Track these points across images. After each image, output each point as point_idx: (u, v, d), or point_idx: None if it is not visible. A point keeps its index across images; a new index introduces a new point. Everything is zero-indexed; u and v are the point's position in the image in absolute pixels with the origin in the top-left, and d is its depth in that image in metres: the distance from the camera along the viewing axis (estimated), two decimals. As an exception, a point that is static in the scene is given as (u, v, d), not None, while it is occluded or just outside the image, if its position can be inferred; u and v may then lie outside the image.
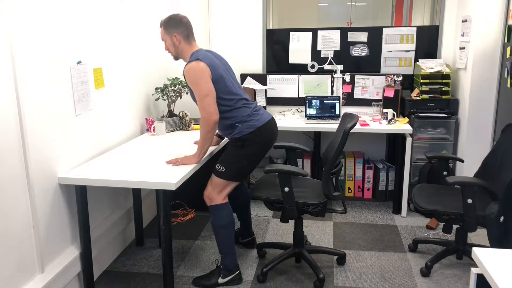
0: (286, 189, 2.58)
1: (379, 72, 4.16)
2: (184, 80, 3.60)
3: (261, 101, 4.10)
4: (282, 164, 2.66)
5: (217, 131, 2.98)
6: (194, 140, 3.15)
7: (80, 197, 2.48)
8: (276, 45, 4.30)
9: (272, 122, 2.75)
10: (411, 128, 3.60)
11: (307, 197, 2.71)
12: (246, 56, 4.28)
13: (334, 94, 4.08)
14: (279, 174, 2.59)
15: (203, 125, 2.54)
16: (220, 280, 2.72)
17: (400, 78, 3.88)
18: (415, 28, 4.08)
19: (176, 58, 2.75)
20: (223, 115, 2.62)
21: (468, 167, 3.60)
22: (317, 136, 3.90)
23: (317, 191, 2.78)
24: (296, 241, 2.89)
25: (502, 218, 2.10)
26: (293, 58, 4.27)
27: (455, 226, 2.84)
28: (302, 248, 2.88)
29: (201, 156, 2.61)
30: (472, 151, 3.63)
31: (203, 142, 2.58)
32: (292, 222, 2.80)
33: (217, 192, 2.66)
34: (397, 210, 3.76)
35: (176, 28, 2.64)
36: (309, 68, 4.23)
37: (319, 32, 4.20)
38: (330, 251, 3.03)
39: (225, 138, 2.93)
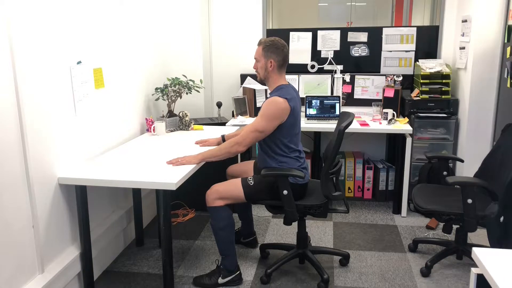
0: (285, 192, 2.58)
1: (379, 72, 4.16)
2: (186, 79, 3.61)
3: (261, 101, 4.10)
4: (279, 168, 2.65)
5: (225, 135, 2.99)
6: (194, 140, 3.15)
7: (80, 197, 2.48)
8: (276, 45, 4.30)
9: (308, 185, 2.77)
10: (411, 128, 3.60)
11: (307, 199, 2.70)
12: (246, 56, 4.28)
13: (334, 94, 4.08)
14: (277, 177, 2.59)
15: (228, 146, 2.56)
16: (220, 280, 2.72)
17: (400, 78, 3.88)
18: (415, 28, 4.08)
19: (261, 82, 2.78)
20: (275, 156, 2.65)
21: (468, 167, 3.60)
22: (317, 136, 3.89)
23: (318, 192, 2.78)
24: (299, 242, 2.88)
25: (502, 218, 2.10)
26: (293, 58, 4.27)
27: (455, 226, 2.84)
28: (306, 249, 2.88)
29: (202, 160, 2.62)
30: (472, 151, 3.63)
31: (212, 154, 2.60)
32: (293, 223, 2.79)
33: (218, 197, 2.64)
34: (397, 210, 3.76)
35: (276, 54, 2.63)
36: (309, 68, 4.23)
37: (319, 32, 4.20)
38: (333, 251, 3.03)
39: None
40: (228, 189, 2.67)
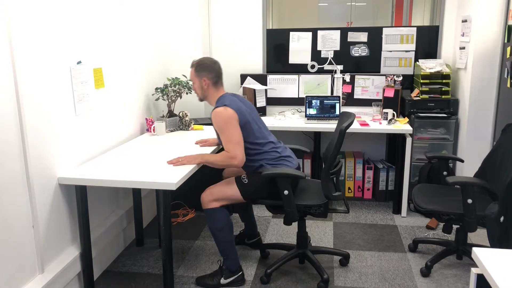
0: (286, 192, 2.58)
1: (379, 72, 4.16)
2: (185, 79, 3.61)
3: (261, 101, 4.10)
4: (280, 168, 2.65)
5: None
6: (194, 140, 3.15)
7: (80, 197, 2.48)
8: (276, 45, 4.30)
9: (298, 169, 2.77)
10: (411, 128, 3.60)
11: (307, 198, 2.70)
12: (246, 56, 4.28)
13: (334, 94, 4.08)
14: (277, 177, 2.59)
15: (225, 159, 2.55)
16: (223, 281, 2.72)
17: (400, 78, 3.88)
18: (415, 28, 4.08)
19: (201, 100, 2.79)
20: (252, 157, 2.65)
21: (468, 167, 3.60)
22: (317, 136, 3.89)
23: (318, 192, 2.78)
24: (299, 242, 2.88)
25: (502, 218, 2.10)
26: (293, 58, 4.27)
27: (455, 226, 2.84)
28: (306, 249, 2.88)
29: (202, 163, 2.62)
30: (472, 151, 3.62)
31: (211, 161, 2.60)
32: (293, 223, 2.79)
33: (214, 199, 2.64)
34: (397, 210, 3.76)
35: (207, 72, 2.68)
36: (309, 68, 4.23)
37: (319, 32, 4.20)
38: (334, 251, 3.03)
39: None
40: (223, 190, 2.67)
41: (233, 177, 2.73)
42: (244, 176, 2.69)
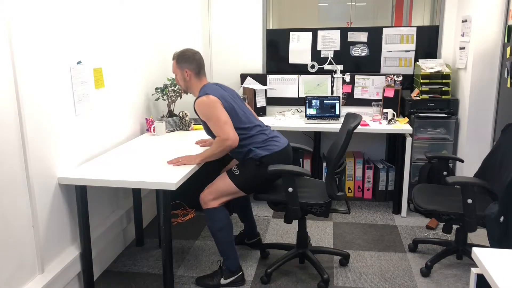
0: (290, 189, 2.58)
1: (379, 72, 4.16)
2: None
3: (261, 101, 4.10)
4: (285, 165, 2.65)
5: None
6: (194, 140, 3.15)
7: (80, 197, 2.48)
8: (276, 45, 4.30)
9: (289, 147, 2.78)
10: (411, 128, 3.60)
11: (310, 197, 2.70)
12: (246, 56, 4.28)
13: (334, 94, 4.08)
14: (283, 174, 2.59)
15: (218, 144, 2.55)
16: (222, 281, 2.72)
17: (400, 78, 3.88)
18: (415, 28, 4.08)
19: (185, 92, 2.82)
20: (240, 143, 2.63)
21: (468, 167, 3.60)
22: (317, 136, 3.89)
23: (320, 191, 2.78)
24: (299, 242, 2.88)
25: (502, 218, 2.10)
26: (293, 58, 4.27)
27: (455, 226, 2.84)
28: (306, 248, 2.88)
29: (203, 161, 2.62)
30: (472, 151, 3.62)
31: (210, 155, 2.60)
32: (293, 223, 2.79)
33: (212, 197, 2.65)
34: (397, 210, 3.76)
35: (188, 63, 2.69)
36: (309, 68, 4.23)
37: (319, 32, 4.20)
38: (334, 251, 3.03)
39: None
40: (218, 186, 2.67)
41: (225, 172, 2.73)
42: (235, 168, 2.69)
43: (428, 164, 3.14)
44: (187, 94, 2.85)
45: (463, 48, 3.70)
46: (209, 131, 2.67)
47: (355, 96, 4.15)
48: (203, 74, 2.74)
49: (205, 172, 2.92)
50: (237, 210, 3.15)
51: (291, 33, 4.24)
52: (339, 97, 3.94)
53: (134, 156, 2.77)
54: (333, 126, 3.63)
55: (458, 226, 2.88)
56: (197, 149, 2.92)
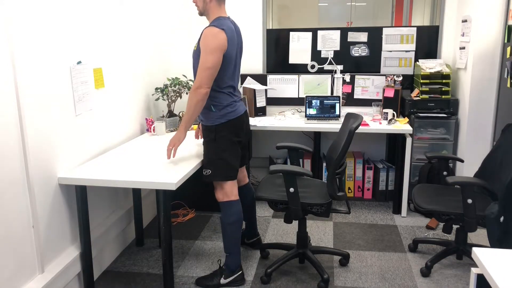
0: (292, 189, 2.58)
1: (379, 72, 4.16)
2: (186, 79, 3.61)
3: (261, 101, 4.10)
4: (287, 165, 2.65)
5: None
6: (194, 140, 3.15)
7: (80, 197, 2.48)
8: (276, 45, 4.30)
9: (243, 116, 2.71)
10: (411, 128, 3.60)
11: (311, 197, 2.70)
12: (246, 56, 4.27)
13: (334, 94, 4.08)
14: (284, 174, 2.59)
15: (193, 94, 2.47)
16: (222, 281, 2.72)
17: (400, 78, 3.88)
18: (415, 28, 4.08)
19: (200, 14, 2.65)
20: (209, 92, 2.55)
21: (468, 167, 3.60)
22: (317, 136, 3.89)
23: (321, 191, 2.78)
24: (299, 242, 2.88)
25: (502, 218, 2.10)
26: (293, 58, 4.27)
27: (455, 226, 2.84)
28: (306, 248, 2.88)
29: (186, 129, 2.57)
30: (472, 151, 3.62)
31: (191, 114, 2.51)
32: (293, 223, 2.79)
33: (221, 192, 2.66)
34: (397, 210, 3.76)
35: None
36: (309, 68, 4.23)
37: (319, 32, 4.20)
38: (334, 251, 3.03)
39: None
40: (215, 186, 2.68)
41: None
42: (204, 170, 2.63)
43: (428, 164, 3.14)
44: (201, 16, 2.66)
45: (463, 48, 3.70)
46: (195, 66, 2.55)
47: (355, 96, 4.15)
48: (223, 3, 2.62)
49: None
50: (242, 208, 3.13)
51: (291, 33, 4.24)
52: (339, 97, 3.94)
53: (134, 156, 2.77)
54: (333, 126, 3.63)
55: (458, 226, 2.88)
56: (198, 148, 2.92)
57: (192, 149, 2.93)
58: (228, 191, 2.66)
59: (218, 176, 2.64)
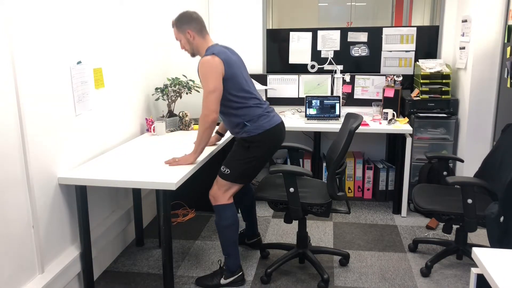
0: (292, 189, 2.58)
1: (379, 72, 4.16)
2: (185, 79, 3.61)
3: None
4: (287, 165, 2.65)
5: (217, 128, 2.98)
6: (194, 140, 3.15)
7: (80, 197, 2.48)
8: (276, 45, 4.30)
9: (281, 125, 2.75)
10: (411, 128, 3.60)
11: (311, 197, 2.70)
12: (246, 56, 4.28)
13: (334, 94, 4.08)
14: (284, 174, 2.59)
15: (201, 122, 2.53)
16: (222, 281, 2.72)
17: (400, 78, 3.88)
18: (415, 28, 4.08)
19: (193, 55, 2.73)
20: (234, 111, 2.61)
21: (468, 167, 3.60)
22: (317, 136, 3.89)
23: (321, 191, 2.78)
24: (299, 242, 2.88)
25: (502, 218, 2.10)
26: (293, 58, 4.27)
27: (455, 226, 2.84)
28: (306, 248, 2.88)
29: (198, 155, 2.60)
30: (472, 151, 3.63)
31: (200, 141, 2.57)
32: (293, 223, 2.79)
33: (222, 192, 2.65)
34: (397, 210, 3.76)
35: (188, 24, 2.62)
36: (309, 68, 4.23)
37: (319, 32, 4.20)
38: (333, 251, 3.03)
39: (225, 136, 2.91)
40: (220, 185, 2.67)
41: (218, 175, 2.70)
42: (223, 168, 2.66)
43: (428, 164, 3.14)
44: (194, 57, 2.74)
45: (463, 48, 3.70)
46: None
47: (355, 96, 4.15)
48: (206, 33, 2.68)
49: (205, 172, 2.92)
50: (241, 209, 3.14)
51: (291, 33, 4.24)
52: (339, 97, 3.94)
53: (134, 156, 2.77)
54: (333, 126, 3.63)
55: (458, 226, 2.88)
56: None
57: (192, 149, 2.93)
58: (229, 193, 2.66)
59: (235, 178, 2.65)
